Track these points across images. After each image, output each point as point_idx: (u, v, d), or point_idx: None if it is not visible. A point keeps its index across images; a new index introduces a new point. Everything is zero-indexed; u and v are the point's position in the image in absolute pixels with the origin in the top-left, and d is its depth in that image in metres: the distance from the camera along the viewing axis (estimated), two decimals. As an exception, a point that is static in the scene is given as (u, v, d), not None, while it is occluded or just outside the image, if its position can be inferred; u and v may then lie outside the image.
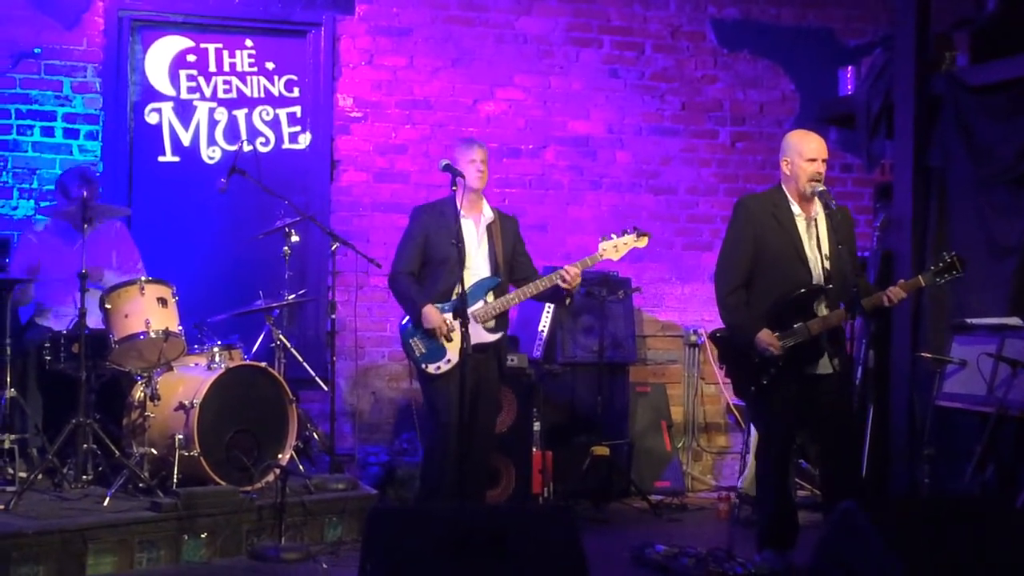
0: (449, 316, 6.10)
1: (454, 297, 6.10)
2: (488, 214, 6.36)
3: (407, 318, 6.26)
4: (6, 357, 6.30)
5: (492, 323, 6.24)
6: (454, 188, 5.99)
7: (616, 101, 8.54)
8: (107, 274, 6.71)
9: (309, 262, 7.88)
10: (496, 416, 6.56)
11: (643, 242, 6.35)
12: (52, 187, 7.24)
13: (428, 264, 6.30)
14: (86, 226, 6.21)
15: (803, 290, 5.69)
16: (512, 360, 7.27)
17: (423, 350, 6.17)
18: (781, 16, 8.86)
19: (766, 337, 5.64)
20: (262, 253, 7.44)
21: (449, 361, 6.13)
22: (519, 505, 6.91)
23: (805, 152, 5.72)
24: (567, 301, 6.42)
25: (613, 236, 6.29)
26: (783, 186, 5.84)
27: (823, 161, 5.74)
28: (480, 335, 6.13)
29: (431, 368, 6.16)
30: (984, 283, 7.14)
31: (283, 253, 7.07)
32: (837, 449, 5.81)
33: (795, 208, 5.77)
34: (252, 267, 7.63)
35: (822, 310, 5.70)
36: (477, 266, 6.24)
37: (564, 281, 6.14)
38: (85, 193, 6.38)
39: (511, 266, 6.39)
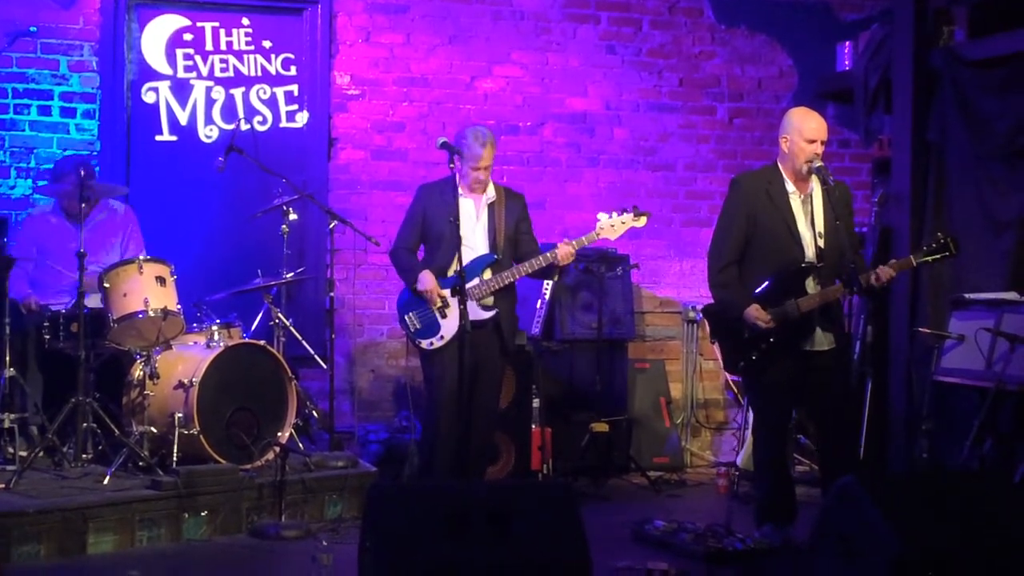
0: (446, 292, 6.12)
1: (450, 274, 6.11)
2: (491, 192, 6.36)
3: (404, 294, 6.30)
4: (5, 336, 6.29)
5: (490, 300, 6.25)
6: (451, 166, 5.97)
7: (614, 77, 8.51)
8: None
9: (307, 240, 7.87)
10: (498, 394, 6.57)
11: (641, 221, 6.30)
12: (50, 166, 7.23)
13: (426, 241, 6.35)
14: (84, 206, 6.22)
15: (798, 266, 5.69)
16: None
17: (418, 326, 6.22)
18: (779, -9, 8.83)
19: (754, 312, 5.65)
20: (260, 232, 7.44)
21: (442, 337, 6.17)
22: (518, 482, 6.92)
23: (805, 132, 5.69)
24: (555, 276, 6.41)
25: (613, 214, 6.26)
26: (779, 163, 5.83)
27: (822, 143, 5.71)
28: (476, 312, 6.12)
29: (424, 344, 6.22)
30: (982, 258, 7.15)
31: (281, 231, 7.07)
32: (832, 425, 5.82)
33: (789, 186, 5.76)
34: (250, 245, 7.61)
35: (813, 288, 5.70)
36: (475, 243, 6.24)
37: (556, 259, 6.14)
38: (83, 172, 6.38)
39: (515, 244, 6.39)
